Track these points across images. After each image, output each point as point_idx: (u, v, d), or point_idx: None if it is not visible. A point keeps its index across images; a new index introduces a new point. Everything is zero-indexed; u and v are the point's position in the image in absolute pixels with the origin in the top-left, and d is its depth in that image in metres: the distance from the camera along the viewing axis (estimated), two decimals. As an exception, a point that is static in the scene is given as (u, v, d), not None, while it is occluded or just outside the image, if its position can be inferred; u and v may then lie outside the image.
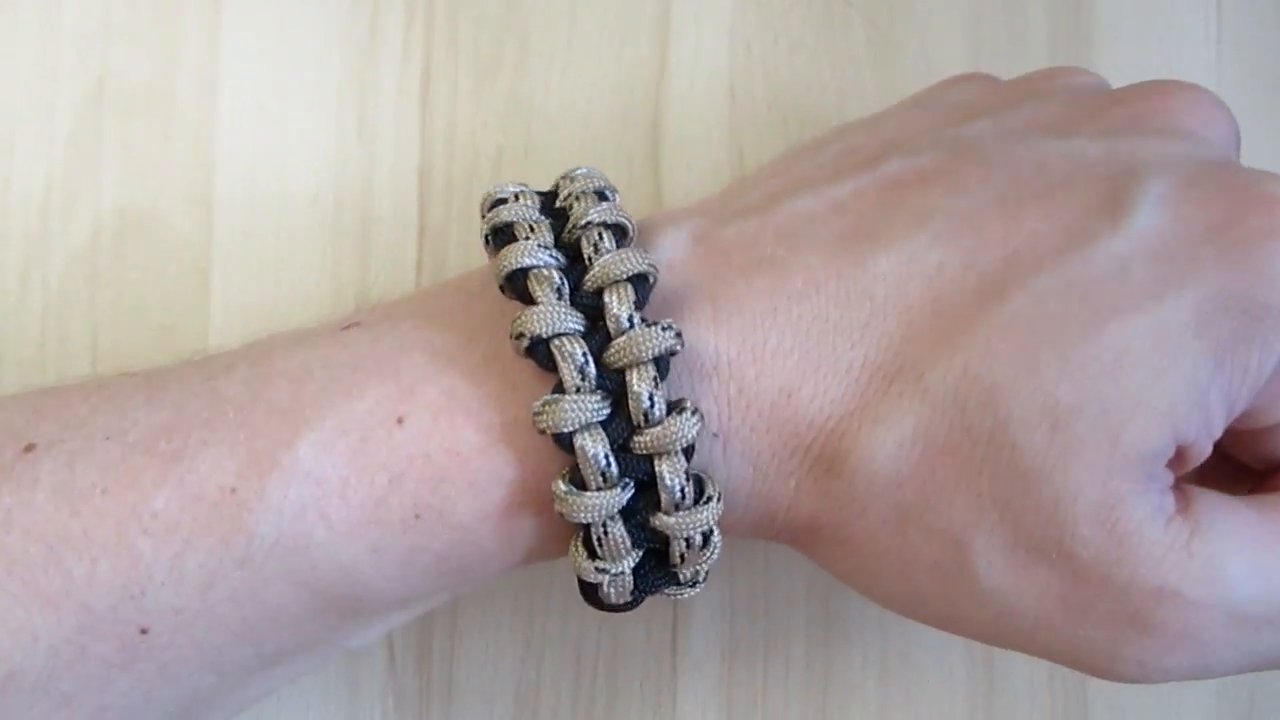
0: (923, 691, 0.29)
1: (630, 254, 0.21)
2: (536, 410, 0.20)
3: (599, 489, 0.20)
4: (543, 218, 0.22)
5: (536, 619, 0.28)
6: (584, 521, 0.20)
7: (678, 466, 0.20)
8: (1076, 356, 0.20)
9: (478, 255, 0.28)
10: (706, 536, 0.21)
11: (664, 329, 0.20)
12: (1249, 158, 0.30)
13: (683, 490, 0.20)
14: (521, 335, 0.20)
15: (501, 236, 0.22)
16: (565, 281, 0.21)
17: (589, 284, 0.21)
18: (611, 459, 0.20)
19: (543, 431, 0.20)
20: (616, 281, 0.21)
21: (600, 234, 0.21)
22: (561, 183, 0.23)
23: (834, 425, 0.21)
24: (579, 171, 0.23)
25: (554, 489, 0.20)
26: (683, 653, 0.29)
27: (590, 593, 0.22)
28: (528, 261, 0.21)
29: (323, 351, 0.22)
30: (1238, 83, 0.31)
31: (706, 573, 0.22)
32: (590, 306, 0.21)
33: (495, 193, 0.23)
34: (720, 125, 0.30)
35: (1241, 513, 0.21)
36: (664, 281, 0.22)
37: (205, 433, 0.21)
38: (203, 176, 0.28)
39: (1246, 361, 0.20)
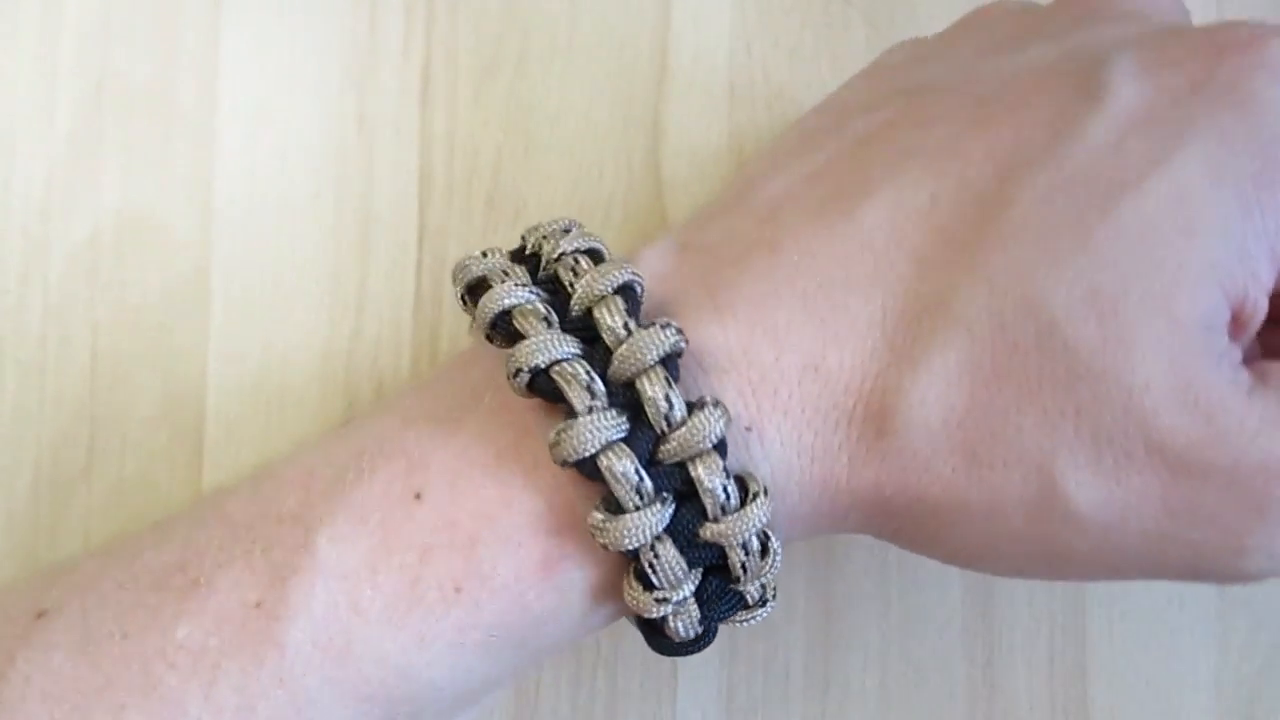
0: (923, 692, 0.29)
1: (611, 266, 0.20)
2: (553, 441, 0.19)
3: (637, 508, 0.19)
4: (515, 265, 0.21)
5: (536, 619, 0.28)
6: (630, 548, 0.19)
7: (714, 466, 0.19)
8: (1100, 241, 0.18)
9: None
10: (764, 542, 0.20)
11: (663, 328, 0.19)
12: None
13: (725, 490, 0.19)
14: (519, 370, 0.19)
15: (477, 293, 0.21)
16: (551, 313, 0.20)
17: (576, 307, 0.20)
18: (643, 472, 0.19)
19: (564, 463, 0.19)
20: (603, 297, 0.20)
21: (576, 259, 0.20)
22: (526, 234, 0.22)
23: (871, 384, 0.19)
24: (541, 222, 0.22)
25: (590, 521, 0.19)
26: (683, 653, 0.29)
27: (656, 635, 0.20)
28: (507, 302, 0.20)
29: (323, 450, 0.21)
30: (1237, 83, 0.31)
31: (774, 588, 0.20)
32: (583, 330, 0.20)
33: (464, 261, 0.22)
34: (720, 125, 0.30)
35: None
36: (655, 293, 0.21)
37: (219, 555, 0.20)
38: (203, 176, 0.28)
39: (1277, 199, 0.19)
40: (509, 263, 0.21)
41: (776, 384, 0.20)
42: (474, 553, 0.20)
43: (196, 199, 0.28)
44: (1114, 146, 0.19)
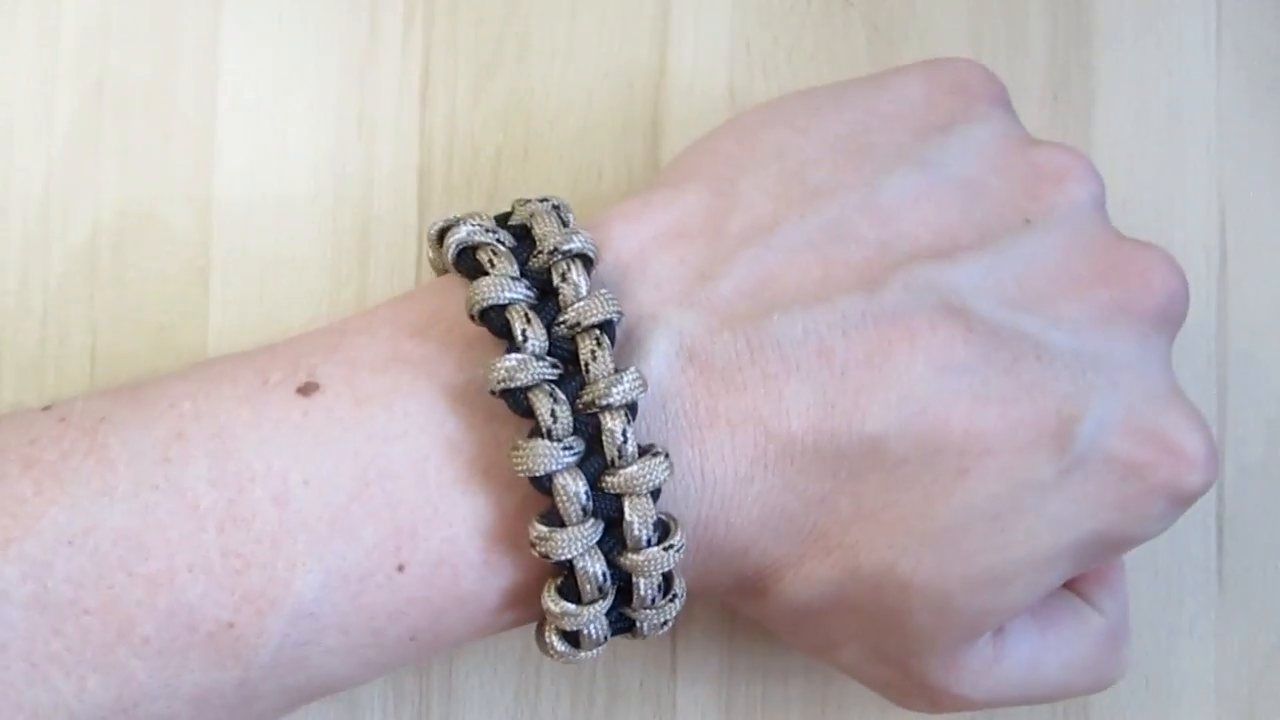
0: (923, 691, 0.29)
1: (628, 382, 0.21)
2: (533, 540, 0.21)
3: (577, 522, 0.21)
4: (530, 298, 0.22)
5: (536, 619, 0.28)
6: (566, 557, 0.21)
7: (645, 507, 0.21)
8: (981, 579, 0.23)
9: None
10: (668, 580, 0.22)
11: (661, 461, 0.21)
12: (1248, 158, 0.31)
13: (649, 539, 0.21)
14: (528, 475, 0.21)
15: (475, 284, 0.22)
16: (561, 392, 0.21)
17: (583, 400, 0.21)
18: (590, 496, 0.21)
19: (532, 546, 0.21)
20: (612, 407, 0.21)
21: (597, 339, 0.21)
22: (536, 226, 0.22)
23: (770, 571, 0.23)
24: (543, 207, 0.23)
25: (531, 534, 0.21)
26: (683, 653, 0.29)
27: (543, 638, 0.23)
28: (524, 380, 0.21)
29: (300, 451, 0.21)
30: (1237, 83, 0.31)
31: (665, 623, 0.23)
32: (584, 420, 0.21)
33: (467, 236, 0.22)
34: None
35: (1031, 633, 0.24)
36: (654, 399, 0.22)
37: (186, 554, 0.20)
38: (203, 176, 0.28)
39: (1095, 565, 0.25)
40: (524, 291, 0.22)
41: (712, 554, 0.23)
42: (438, 621, 0.22)
43: (196, 199, 0.28)
44: (1040, 499, 0.22)
